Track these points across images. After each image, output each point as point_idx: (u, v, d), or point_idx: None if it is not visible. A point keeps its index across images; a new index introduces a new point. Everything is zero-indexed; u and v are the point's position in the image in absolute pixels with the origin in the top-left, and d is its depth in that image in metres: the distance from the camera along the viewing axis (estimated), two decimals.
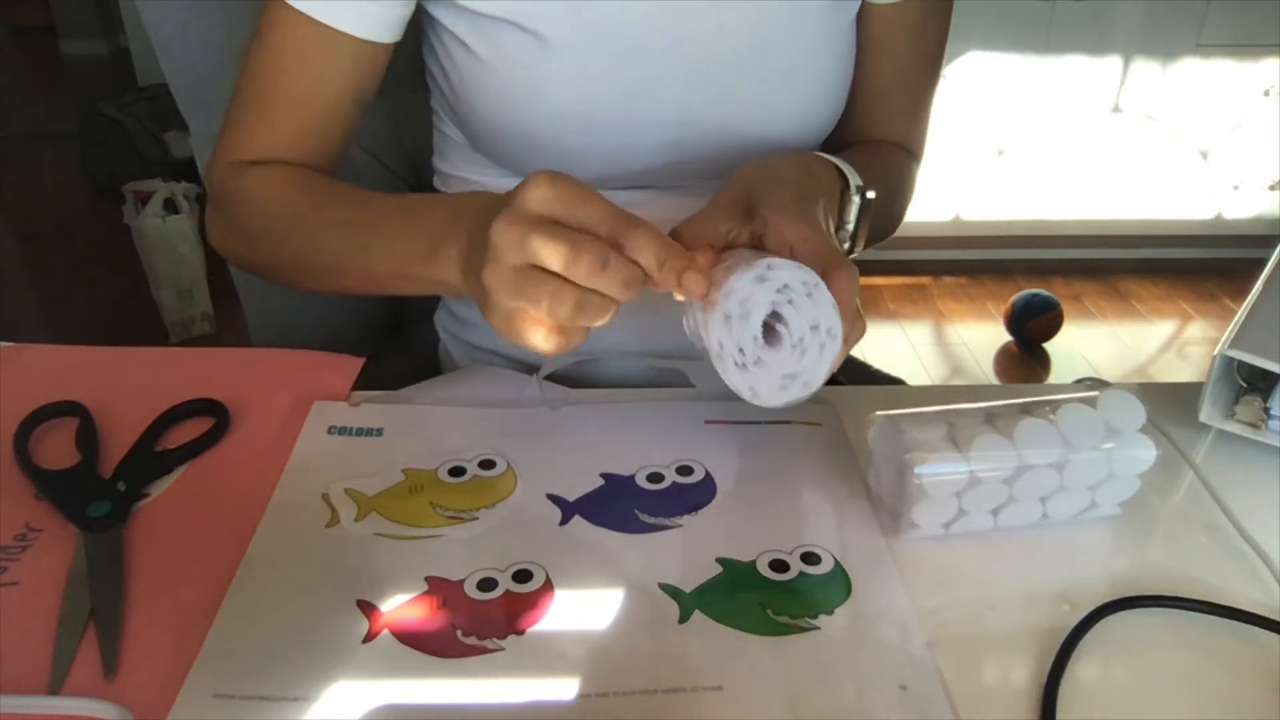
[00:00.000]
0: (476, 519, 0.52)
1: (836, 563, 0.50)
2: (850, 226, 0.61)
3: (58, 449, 0.55)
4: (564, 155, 0.65)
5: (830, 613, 0.47)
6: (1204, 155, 2.52)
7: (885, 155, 0.74)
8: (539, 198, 0.47)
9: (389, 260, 0.58)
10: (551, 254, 0.45)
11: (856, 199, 0.60)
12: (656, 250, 0.47)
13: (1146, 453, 0.51)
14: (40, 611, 0.45)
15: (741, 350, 0.47)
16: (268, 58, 0.63)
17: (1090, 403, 0.51)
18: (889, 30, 0.70)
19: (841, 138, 0.73)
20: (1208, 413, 0.60)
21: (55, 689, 0.42)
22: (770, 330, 0.47)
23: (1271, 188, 2.56)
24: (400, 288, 0.60)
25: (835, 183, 0.59)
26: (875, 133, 0.75)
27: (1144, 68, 2.39)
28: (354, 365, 0.64)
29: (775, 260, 0.46)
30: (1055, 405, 0.51)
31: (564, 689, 0.43)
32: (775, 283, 0.46)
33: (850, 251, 0.61)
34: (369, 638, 0.45)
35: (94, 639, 0.44)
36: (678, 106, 0.64)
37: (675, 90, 0.64)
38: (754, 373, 0.47)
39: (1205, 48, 2.37)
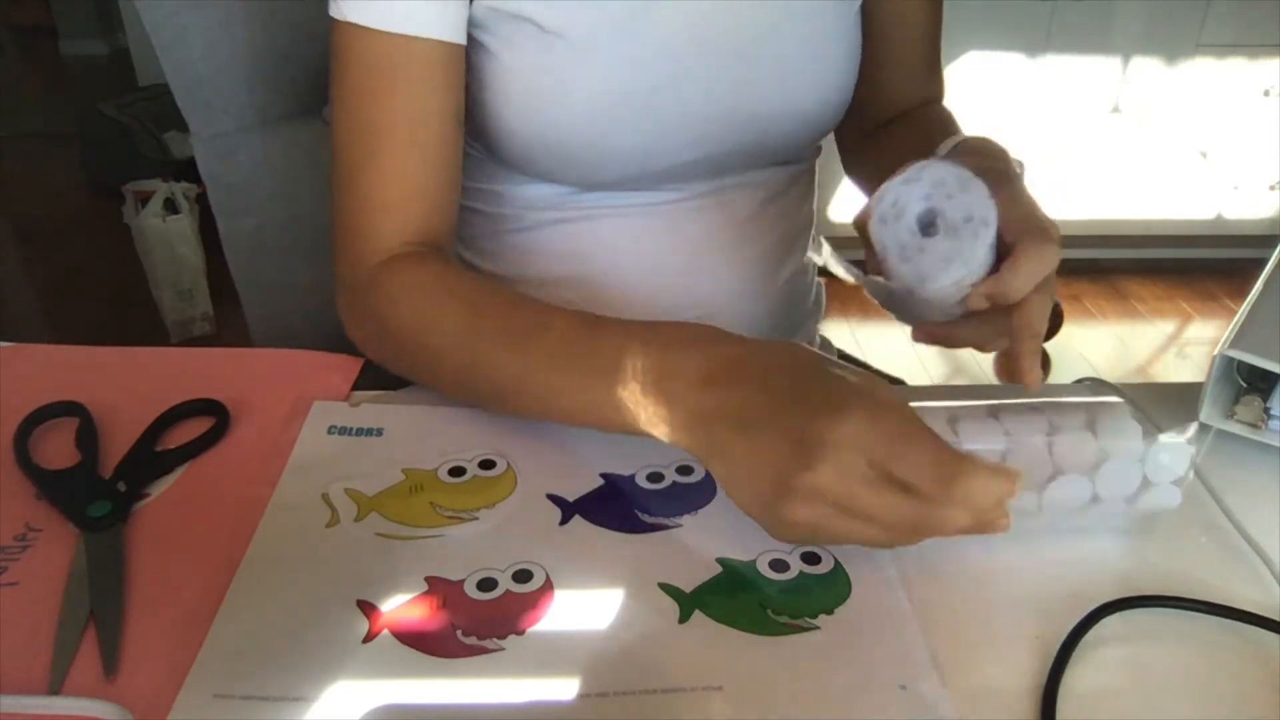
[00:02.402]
0: (476, 519, 0.52)
1: (836, 563, 0.50)
2: None
3: (58, 449, 0.55)
4: (589, 157, 0.65)
5: (830, 613, 0.47)
6: (1204, 155, 2.52)
7: (939, 116, 0.76)
8: (852, 442, 0.42)
9: (577, 402, 0.53)
10: (847, 537, 0.44)
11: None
12: (987, 498, 0.43)
13: (1172, 499, 0.51)
14: (40, 611, 0.45)
15: (902, 245, 0.52)
16: (365, 103, 0.59)
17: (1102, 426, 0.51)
18: (899, 3, 0.73)
19: (876, 107, 0.76)
20: (1208, 413, 0.60)
21: (55, 689, 0.42)
22: (933, 226, 0.52)
23: (1271, 188, 2.56)
24: (585, 425, 0.54)
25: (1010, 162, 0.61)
26: (904, 94, 0.78)
27: (1144, 68, 2.39)
28: (354, 365, 0.64)
29: (930, 162, 0.52)
30: (1058, 416, 0.51)
31: (564, 689, 0.43)
32: (925, 182, 0.52)
33: None
34: (369, 638, 0.45)
35: (94, 639, 0.44)
36: (701, 100, 0.65)
37: (698, 84, 0.64)
38: (916, 260, 0.52)
39: (1205, 48, 2.37)
